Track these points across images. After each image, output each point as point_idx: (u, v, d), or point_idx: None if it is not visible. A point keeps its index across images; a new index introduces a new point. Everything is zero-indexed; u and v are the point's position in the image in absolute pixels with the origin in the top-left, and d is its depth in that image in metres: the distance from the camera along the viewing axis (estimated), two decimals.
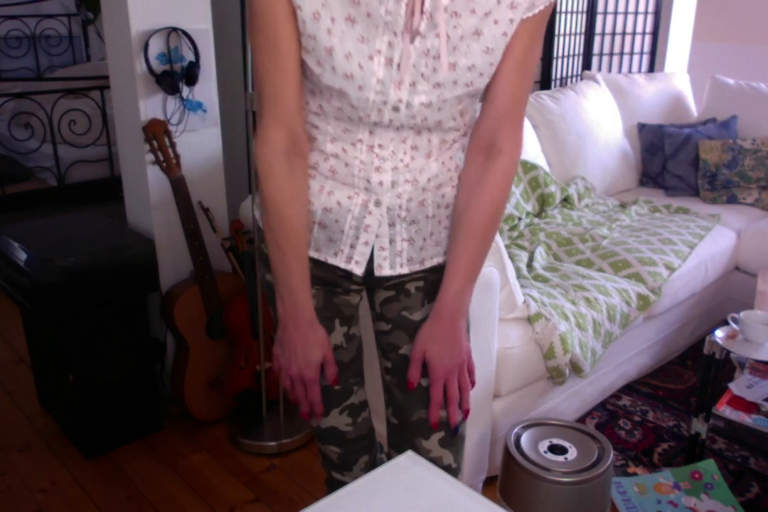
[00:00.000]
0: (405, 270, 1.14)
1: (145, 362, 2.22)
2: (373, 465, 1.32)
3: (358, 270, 1.13)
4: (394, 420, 1.26)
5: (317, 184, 1.10)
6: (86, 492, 2.03)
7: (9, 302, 2.21)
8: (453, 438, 1.23)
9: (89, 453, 2.18)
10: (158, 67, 2.05)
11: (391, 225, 1.10)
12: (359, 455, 1.31)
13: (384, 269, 1.13)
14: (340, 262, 1.13)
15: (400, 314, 1.20)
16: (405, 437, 1.24)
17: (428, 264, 1.16)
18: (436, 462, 1.23)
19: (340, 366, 1.22)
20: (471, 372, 1.17)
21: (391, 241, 1.12)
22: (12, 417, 2.40)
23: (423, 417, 1.21)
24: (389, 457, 1.30)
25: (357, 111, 1.01)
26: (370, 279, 1.17)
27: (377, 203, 1.09)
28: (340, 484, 1.30)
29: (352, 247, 1.12)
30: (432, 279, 1.18)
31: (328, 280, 1.19)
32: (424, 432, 1.21)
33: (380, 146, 1.05)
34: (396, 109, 1.00)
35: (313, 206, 1.11)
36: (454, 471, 1.27)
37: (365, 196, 1.08)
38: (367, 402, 1.31)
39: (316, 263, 1.16)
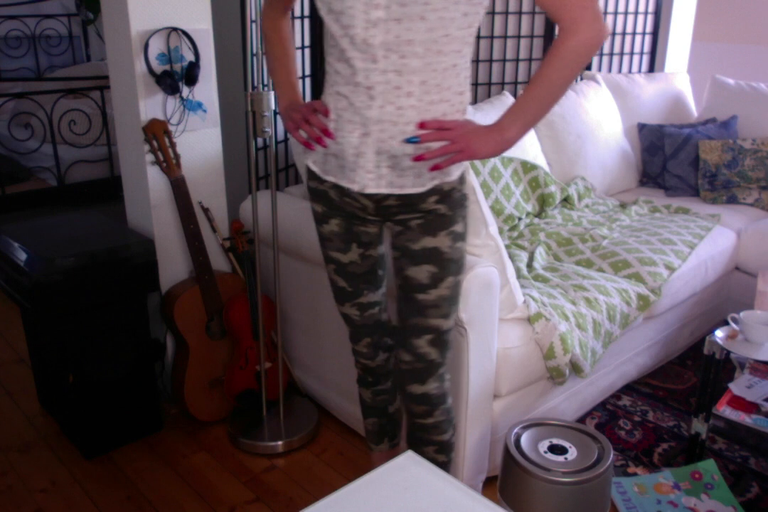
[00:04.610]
0: (384, 191, 1.41)
1: (145, 362, 2.22)
2: (376, 345, 1.70)
3: (356, 187, 1.42)
4: (398, 324, 1.58)
5: (335, 125, 1.39)
6: (86, 492, 2.03)
7: (9, 302, 2.21)
8: (442, 337, 1.56)
9: (89, 453, 2.18)
10: (158, 67, 2.05)
11: (378, 153, 1.37)
12: (363, 336, 1.69)
13: (369, 188, 1.41)
14: (345, 183, 1.43)
15: (405, 244, 1.50)
16: (403, 336, 1.56)
17: (408, 190, 1.42)
18: (424, 356, 1.55)
19: (353, 277, 1.60)
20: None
21: (377, 166, 1.39)
22: (12, 417, 2.40)
23: (417, 323, 1.53)
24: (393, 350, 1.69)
25: (349, 30, 1.30)
26: (378, 210, 1.47)
27: (366, 134, 1.36)
28: (353, 350, 1.73)
29: (353, 170, 1.41)
30: (430, 219, 1.46)
31: (348, 213, 1.51)
32: (417, 333, 1.54)
33: (371, 87, 1.32)
34: (375, 24, 1.28)
35: (331, 143, 1.41)
36: (438, 364, 1.58)
37: (361, 129, 1.36)
38: (377, 302, 1.66)
39: (340, 195, 1.47)
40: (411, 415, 1.66)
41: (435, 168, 1.37)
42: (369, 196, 1.44)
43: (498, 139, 1.35)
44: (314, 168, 1.49)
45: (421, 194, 1.43)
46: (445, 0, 1.26)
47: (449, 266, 1.49)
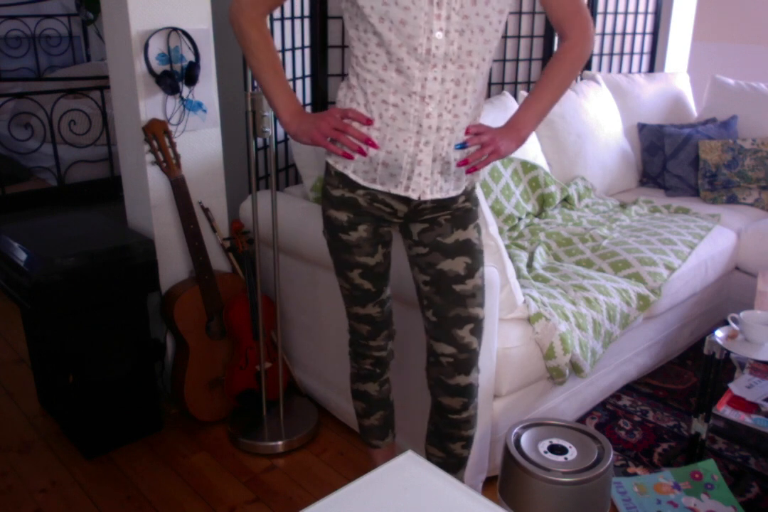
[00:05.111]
0: (438, 196, 1.47)
1: (145, 362, 2.22)
2: (389, 335, 1.75)
3: (415, 195, 1.46)
4: (434, 318, 1.59)
5: (380, 133, 1.41)
6: (86, 492, 2.04)
7: (9, 302, 2.21)
8: (477, 325, 1.59)
9: (89, 453, 2.18)
10: (158, 67, 2.05)
11: (434, 160, 1.42)
12: (382, 330, 1.73)
13: (426, 194, 1.46)
14: (400, 191, 1.46)
15: (436, 239, 1.55)
16: (444, 329, 1.58)
17: (452, 193, 1.49)
18: (467, 346, 1.58)
19: (377, 277, 1.63)
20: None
21: (432, 173, 1.44)
22: (12, 417, 2.40)
23: (458, 314, 1.56)
24: (428, 345, 1.64)
25: (412, 40, 1.32)
26: (411, 213, 1.52)
27: (426, 143, 1.40)
28: (364, 348, 1.74)
29: (409, 178, 1.44)
30: (458, 214, 1.54)
31: (376, 217, 1.54)
32: (459, 324, 1.57)
33: (429, 97, 1.36)
34: (438, 36, 1.31)
35: (379, 152, 1.42)
36: (477, 353, 1.61)
37: (416, 138, 1.39)
38: (390, 296, 1.71)
39: (371, 201, 1.50)
40: (443, 411, 1.67)
41: (473, 170, 1.47)
42: (406, 201, 1.49)
43: (517, 137, 1.48)
44: (354, 177, 1.48)
45: (456, 195, 1.51)
46: (500, 13, 1.36)
47: (479, 256, 1.58)
